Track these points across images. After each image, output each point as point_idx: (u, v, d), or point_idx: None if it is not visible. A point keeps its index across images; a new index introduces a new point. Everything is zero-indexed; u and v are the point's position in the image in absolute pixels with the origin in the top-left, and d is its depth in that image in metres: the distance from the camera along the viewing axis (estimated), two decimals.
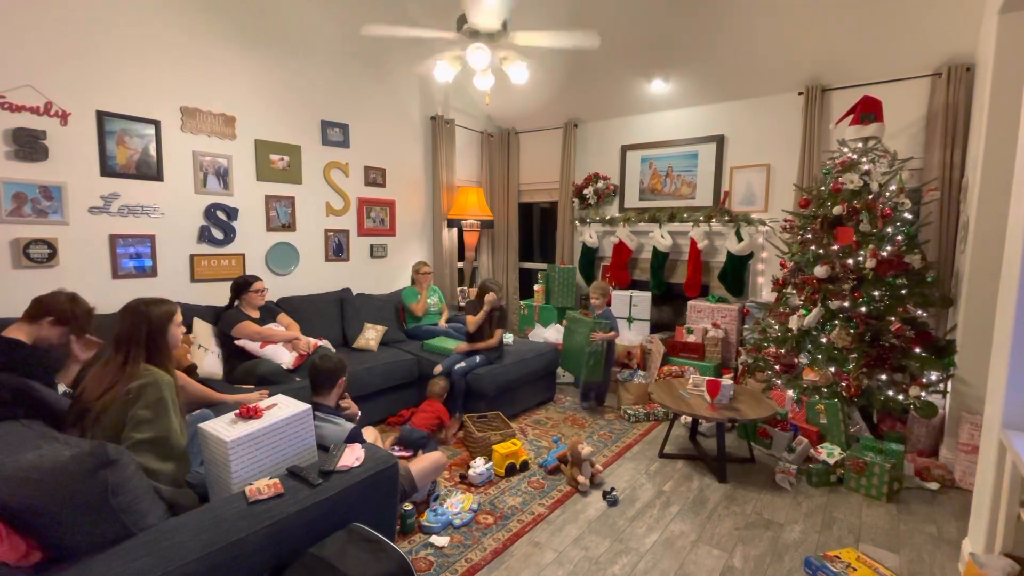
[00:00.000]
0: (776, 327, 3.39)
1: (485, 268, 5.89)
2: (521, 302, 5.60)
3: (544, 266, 5.58)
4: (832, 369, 3.06)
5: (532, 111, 5.39)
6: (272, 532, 1.50)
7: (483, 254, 5.85)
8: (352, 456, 1.84)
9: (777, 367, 3.32)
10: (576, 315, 3.96)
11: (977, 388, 2.74)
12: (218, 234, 3.56)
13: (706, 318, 4.37)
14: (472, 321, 3.65)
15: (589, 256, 5.21)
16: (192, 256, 3.44)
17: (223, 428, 1.67)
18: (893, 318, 2.89)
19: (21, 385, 1.70)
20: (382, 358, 3.60)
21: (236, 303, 3.19)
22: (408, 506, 2.27)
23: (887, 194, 3.00)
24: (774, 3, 3.52)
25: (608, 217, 5.05)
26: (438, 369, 3.48)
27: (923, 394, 2.82)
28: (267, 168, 3.80)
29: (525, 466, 2.88)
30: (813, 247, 3.19)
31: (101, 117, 2.98)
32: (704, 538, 2.30)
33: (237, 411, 1.76)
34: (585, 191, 5.15)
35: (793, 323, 3.18)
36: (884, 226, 2.95)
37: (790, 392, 3.35)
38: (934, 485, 2.72)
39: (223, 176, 3.56)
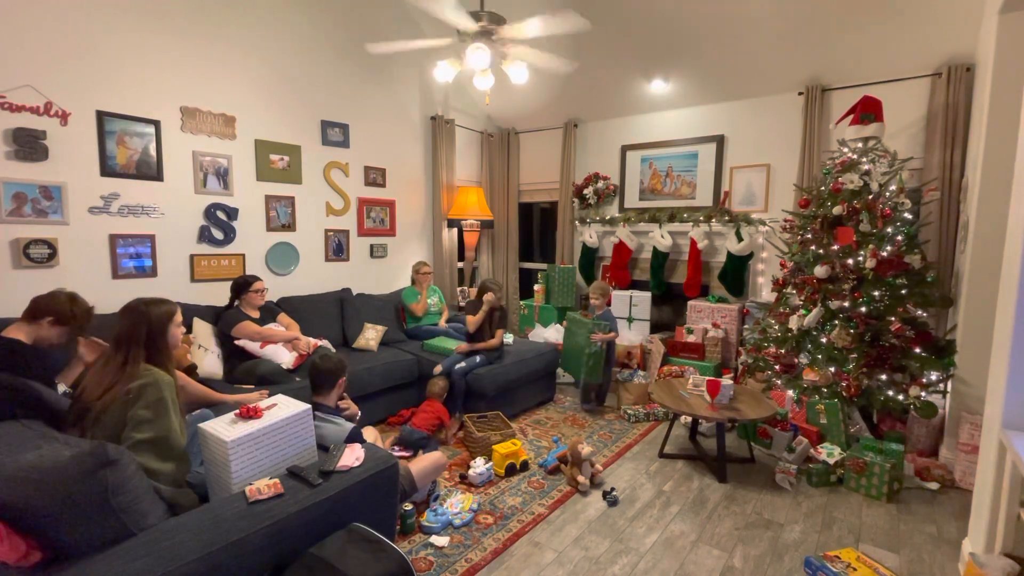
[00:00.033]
0: (776, 327, 3.39)
1: (485, 268, 5.89)
2: (521, 302, 5.60)
3: (544, 266, 5.58)
4: (832, 369, 3.06)
5: (532, 111, 5.39)
6: (272, 532, 1.50)
7: (483, 254, 5.85)
8: (352, 456, 1.84)
9: (777, 367, 3.32)
10: (576, 316, 3.96)
11: (977, 388, 2.74)
12: (218, 234, 3.56)
13: (706, 318, 4.37)
14: (472, 321, 3.65)
15: (589, 256, 5.21)
16: (192, 256, 3.44)
17: (223, 428, 1.67)
18: (893, 318, 2.89)
19: (21, 385, 1.70)
20: (382, 358, 3.60)
21: (236, 303, 3.19)
22: (408, 506, 2.27)
23: (887, 194, 3.00)
24: (774, 3, 3.52)
25: (608, 217, 5.05)
26: (438, 369, 3.48)
27: (923, 394, 2.82)
28: (267, 168, 3.80)
29: (525, 466, 2.88)
30: (813, 247, 3.19)
31: (101, 117, 2.98)
32: (704, 538, 2.30)
33: (237, 411, 1.76)
34: (585, 191, 5.16)
35: (793, 323, 3.18)
36: (884, 226, 2.95)
37: (790, 392, 3.35)
38: (934, 485, 2.72)
39: (223, 176, 3.56)
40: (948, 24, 3.24)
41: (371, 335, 3.88)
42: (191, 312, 3.09)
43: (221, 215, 3.56)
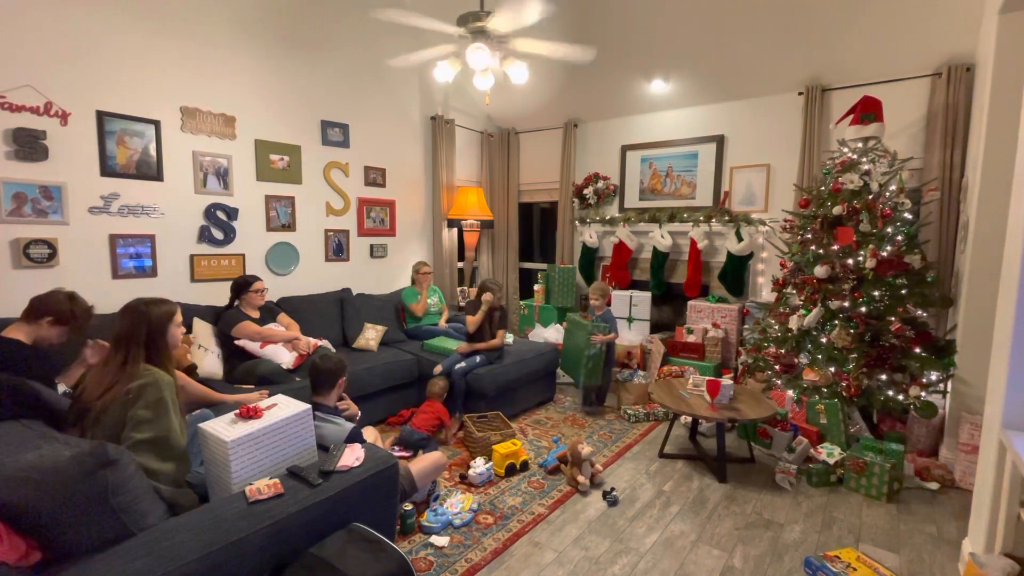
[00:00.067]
0: (776, 327, 3.39)
1: (485, 268, 5.89)
2: (521, 302, 5.60)
3: (544, 266, 5.58)
4: (832, 369, 3.06)
5: (532, 111, 5.39)
6: (272, 532, 1.50)
7: (483, 254, 5.85)
8: (352, 456, 1.84)
9: (777, 367, 3.32)
10: (575, 318, 3.94)
11: (977, 388, 2.74)
12: (218, 234, 3.56)
13: (706, 318, 4.37)
14: (472, 321, 3.65)
15: (589, 256, 5.21)
16: (192, 256, 3.44)
17: (223, 428, 1.67)
18: (893, 318, 2.89)
19: (21, 385, 1.70)
20: (382, 358, 3.60)
21: (236, 303, 3.19)
22: (408, 506, 2.27)
23: (887, 194, 3.00)
24: (774, 3, 3.52)
25: (608, 217, 5.05)
26: (438, 369, 3.48)
27: (923, 394, 2.82)
28: (267, 168, 3.80)
29: (525, 466, 2.88)
30: (813, 247, 3.19)
31: (101, 117, 2.98)
32: (704, 538, 2.30)
33: (237, 411, 1.76)
34: (585, 191, 5.15)
35: (793, 323, 3.18)
36: (884, 226, 2.95)
37: (790, 392, 3.35)
38: (934, 485, 2.72)
39: (223, 176, 3.56)
40: (948, 24, 3.24)
41: (371, 335, 3.88)
42: (191, 312, 3.08)
43: (221, 215, 3.56)
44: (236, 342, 3.07)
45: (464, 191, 5.13)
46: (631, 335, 4.59)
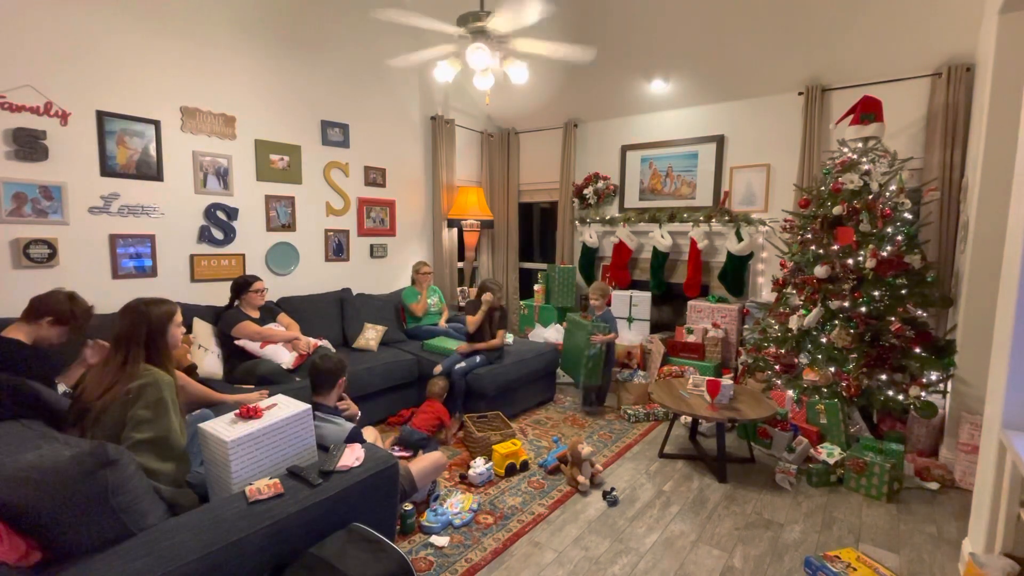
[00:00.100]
0: (776, 327, 3.39)
1: (485, 268, 5.89)
2: (521, 302, 5.60)
3: (544, 266, 5.58)
4: (832, 369, 3.06)
5: (532, 111, 5.39)
6: (272, 532, 1.50)
7: (483, 254, 5.85)
8: (352, 456, 1.84)
9: (777, 367, 3.32)
10: (575, 318, 3.94)
11: (977, 388, 2.74)
12: (218, 234, 3.56)
13: (706, 318, 4.37)
14: (472, 321, 3.65)
15: (589, 256, 5.21)
16: (192, 256, 3.44)
17: (223, 428, 1.67)
18: (893, 318, 2.89)
19: (21, 385, 1.70)
20: (382, 358, 3.60)
21: (236, 303, 3.19)
22: (408, 506, 2.27)
23: (887, 194, 3.00)
24: (774, 3, 3.52)
25: (608, 217, 5.05)
26: (438, 369, 3.48)
27: (923, 394, 2.82)
28: (267, 168, 3.80)
29: (525, 466, 2.88)
30: (813, 247, 3.19)
31: (101, 117, 2.98)
32: (704, 538, 2.30)
33: (237, 411, 1.76)
34: (585, 191, 5.15)
35: (793, 323, 3.18)
36: (884, 226, 2.95)
37: (790, 392, 3.34)
38: (934, 485, 2.72)
39: (223, 176, 3.56)
40: (948, 24, 3.24)
41: (371, 335, 3.88)
42: (191, 312, 3.08)
43: (221, 215, 3.56)
44: (236, 342, 3.07)
45: (464, 191, 5.13)
46: (631, 335, 4.59)
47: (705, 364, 4.11)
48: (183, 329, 1.98)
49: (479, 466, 2.72)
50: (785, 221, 3.55)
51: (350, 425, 2.15)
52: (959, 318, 2.94)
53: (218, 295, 3.42)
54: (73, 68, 2.86)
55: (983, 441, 2.01)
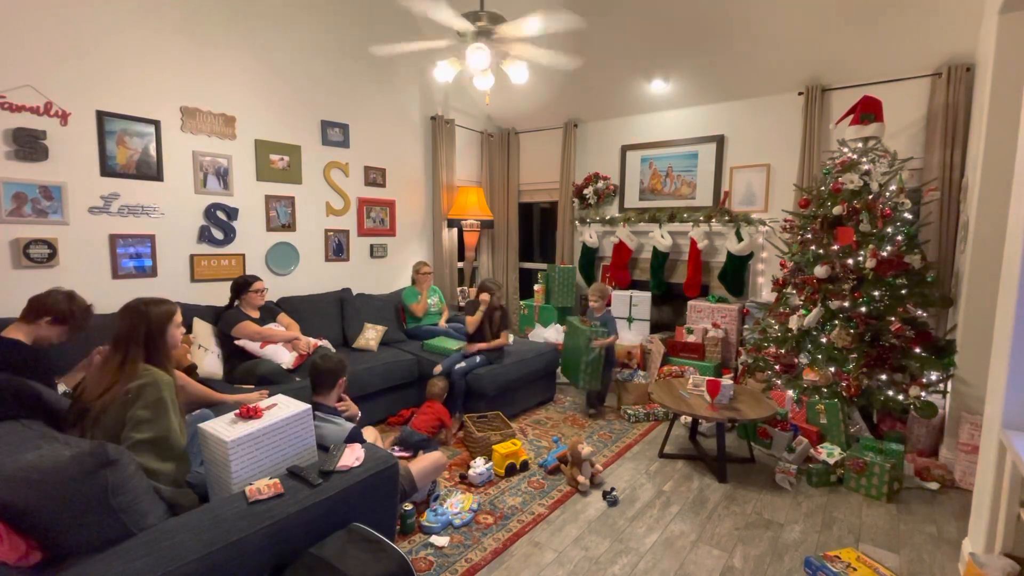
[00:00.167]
0: (776, 327, 3.39)
1: (485, 268, 5.89)
2: (521, 302, 5.60)
3: (544, 266, 5.58)
4: (832, 369, 3.06)
5: (532, 111, 5.39)
6: (272, 532, 1.50)
7: (483, 254, 5.85)
8: (352, 456, 1.84)
9: (777, 367, 3.32)
10: (575, 322, 3.88)
11: (977, 388, 2.74)
12: (218, 234, 3.56)
13: (706, 318, 4.37)
14: (471, 322, 3.65)
15: (589, 256, 5.21)
16: (192, 256, 3.44)
17: (223, 428, 1.67)
18: (893, 318, 2.89)
19: (22, 385, 1.70)
20: (382, 358, 3.60)
21: (236, 303, 3.19)
22: (408, 506, 2.27)
23: (887, 194, 3.00)
24: (774, 3, 3.52)
25: (608, 217, 5.05)
26: (438, 369, 3.47)
27: (923, 394, 2.82)
28: (267, 168, 3.80)
29: (525, 466, 2.88)
30: (813, 247, 3.20)
31: (101, 117, 2.98)
32: (704, 538, 2.30)
33: (237, 411, 1.75)
34: (585, 191, 5.16)
35: (793, 323, 3.18)
36: (884, 226, 2.95)
37: (790, 392, 3.34)
38: (934, 485, 2.72)
39: (223, 176, 3.56)
40: (948, 24, 3.24)
41: (371, 335, 3.88)
42: (191, 312, 3.08)
43: (221, 215, 3.56)
44: (236, 342, 3.07)
45: (464, 191, 5.13)
46: (631, 335, 4.59)
47: (705, 364, 4.11)
48: (183, 329, 1.97)
49: (479, 466, 2.72)
50: (785, 221, 3.55)
51: (350, 425, 2.15)
52: (959, 318, 2.94)
53: (218, 295, 3.42)
54: (73, 68, 2.86)
55: (983, 441, 2.01)
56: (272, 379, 2.96)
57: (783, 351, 3.28)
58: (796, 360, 3.27)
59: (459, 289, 5.29)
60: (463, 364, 3.47)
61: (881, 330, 2.92)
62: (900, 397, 2.88)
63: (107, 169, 3.02)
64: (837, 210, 3.02)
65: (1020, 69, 2.49)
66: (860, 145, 3.13)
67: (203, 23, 3.37)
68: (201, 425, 1.71)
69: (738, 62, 4.05)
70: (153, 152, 3.20)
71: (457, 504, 2.42)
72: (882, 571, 1.98)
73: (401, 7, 2.71)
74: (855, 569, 1.98)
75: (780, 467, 2.78)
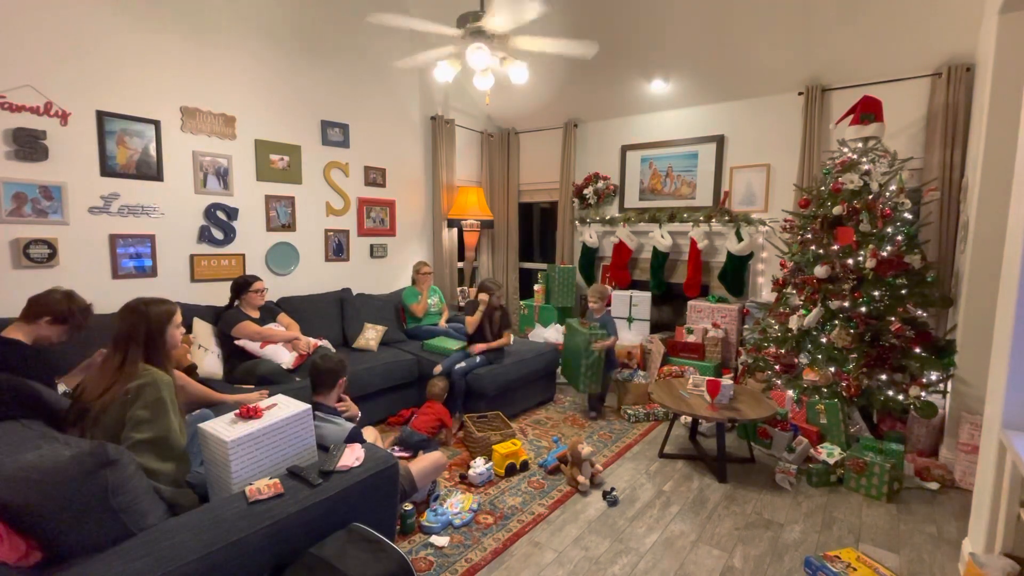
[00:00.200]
0: (776, 327, 3.39)
1: (485, 268, 5.89)
2: (521, 302, 5.60)
3: (544, 266, 5.58)
4: (832, 369, 3.06)
5: (532, 111, 5.39)
6: (272, 532, 1.50)
7: (483, 254, 5.85)
8: (352, 456, 1.84)
9: (777, 367, 3.32)
10: (574, 325, 3.85)
11: (977, 388, 2.74)
12: (218, 234, 3.56)
13: (706, 318, 4.37)
14: (471, 322, 3.65)
15: (589, 256, 5.21)
16: (192, 256, 3.44)
17: (223, 428, 1.67)
18: (893, 318, 2.89)
19: (22, 385, 1.70)
20: (382, 358, 3.60)
21: (236, 303, 3.19)
22: (408, 506, 2.27)
23: (887, 194, 3.00)
24: (774, 3, 3.52)
25: (608, 217, 5.05)
26: (438, 369, 3.47)
27: (923, 394, 2.82)
28: (267, 168, 3.80)
29: (525, 466, 2.88)
30: (813, 247, 3.19)
31: (101, 117, 2.98)
32: (704, 538, 2.30)
33: (237, 411, 1.75)
34: (585, 191, 5.16)
35: (793, 323, 3.18)
36: (884, 226, 2.95)
37: (790, 392, 3.34)
38: (934, 485, 2.72)
39: (223, 176, 3.56)
40: (948, 24, 3.24)
41: (371, 335, 3.88)
42: (191, 312, 3.08)
43: (221, 215, 3.56)
44: (236, 342, 3.07)
45: (464, 191, 5.13)
46: (631, 335, 4.58)
47: (705, 364, 4.11)
48: (183, 329, 1.97)
49: (479, 466, 2.72)
50: (785, 221, 3.55)
51: (350, 425, 2.15)
52: (959, 318, 2.94)
53: (218, 295, 3.42)
54: (73, 68, 2.86)
55: (983, 441, 2.01)
56: (272, 379, 2.96)
57: (783, 351, 3.28)
58: (796, 360, 3.27)
59: (459, 289, 5.29)
60: (463, 364, 3.47)
61: (881, 330, 2.92)
62: (900, 397, 2.88)
63: (107, 169, 3.02)
64: (837, 210, 3.02)
65: (1020, 69, 2.49)
66: (860, 145, 3.13)
67: (203, 23, 3.37)
68: (201, 425, 1.71)
69: (738, 62, 4.05)
70: (153, 152, 3.20)
71: (457, 504, 2.42)
72: (882, 571, 1.98)
73: (399, 11, 2.71)
74: (855, 569, 1.98)
75: (780, 467, 2.78)
